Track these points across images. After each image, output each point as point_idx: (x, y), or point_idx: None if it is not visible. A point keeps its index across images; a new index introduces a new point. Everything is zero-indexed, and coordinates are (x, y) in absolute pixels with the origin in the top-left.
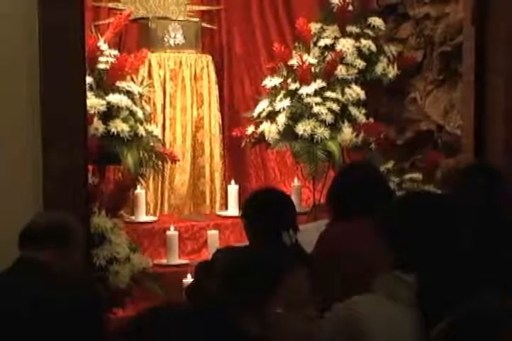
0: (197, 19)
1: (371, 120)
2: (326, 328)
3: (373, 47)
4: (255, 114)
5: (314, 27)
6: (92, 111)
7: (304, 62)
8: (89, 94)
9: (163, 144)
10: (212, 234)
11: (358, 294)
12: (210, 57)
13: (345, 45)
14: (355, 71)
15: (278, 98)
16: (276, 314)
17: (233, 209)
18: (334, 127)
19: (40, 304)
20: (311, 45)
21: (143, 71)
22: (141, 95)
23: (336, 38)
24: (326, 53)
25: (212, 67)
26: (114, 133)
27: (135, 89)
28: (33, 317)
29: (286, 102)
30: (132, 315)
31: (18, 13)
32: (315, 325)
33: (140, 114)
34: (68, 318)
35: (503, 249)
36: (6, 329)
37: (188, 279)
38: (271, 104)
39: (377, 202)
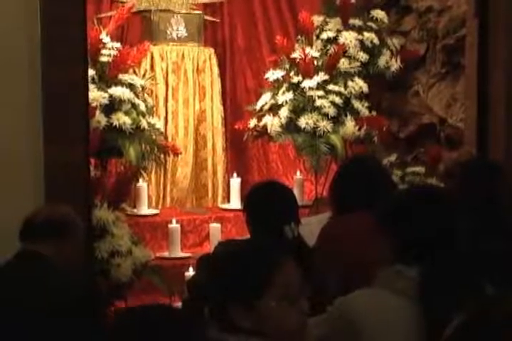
0: (199, 12)
1: (374, 113)
2: (325, 322)
3: (376, 40)
4: (258, 107)
5: (317, 20)
6: (94, 104)
7: (306, 55)
8: (91, 86)
9: (166, 137)
10: (215, 227)
11: (360, 288)
12: (212, 50)
13: (348, 37)
14: (358, 64)
15: (280, 91)
16: (269, 307)
17: (235, 202)
18: (337, 120)
19: (38, 297)
20: (314, 38)
21: (145, 64)
22: (143, 88)
23: (338, 31)
24: (329, 46)
25: (214, 60)
26: (116, 126)
27: (137, 81)
28: (32, 310)
29: (289, 95)
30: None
31: (19, 4)
32: (308, 318)
33: (142, 107)
34: (66, 312)
35: (505, 243)
36: (5, 322)
37: (190, 272)
38: (273, 97)
39: (380, 196)
